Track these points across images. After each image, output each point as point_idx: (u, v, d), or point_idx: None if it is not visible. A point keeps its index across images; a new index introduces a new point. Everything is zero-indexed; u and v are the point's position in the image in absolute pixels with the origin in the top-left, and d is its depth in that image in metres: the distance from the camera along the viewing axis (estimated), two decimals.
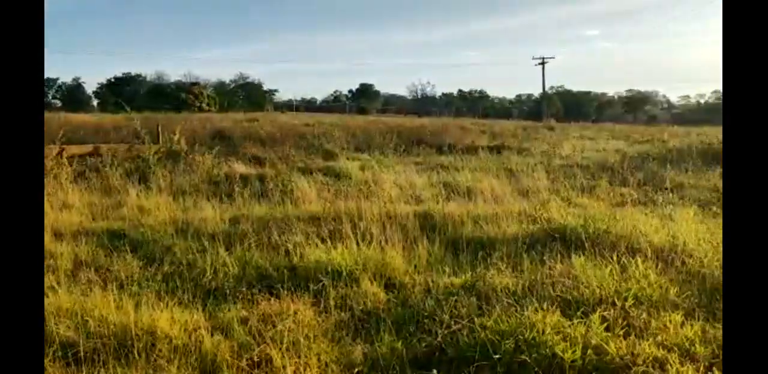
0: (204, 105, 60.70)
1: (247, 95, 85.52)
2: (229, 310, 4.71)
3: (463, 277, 5.37)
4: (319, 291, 5.14)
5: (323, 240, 6.45)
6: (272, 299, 4.94)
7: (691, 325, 4.09)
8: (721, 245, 5.99)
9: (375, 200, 8.95)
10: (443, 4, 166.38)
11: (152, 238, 6.99)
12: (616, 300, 4.50)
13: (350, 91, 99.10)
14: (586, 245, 6.11)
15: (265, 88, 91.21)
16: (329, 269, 5.56)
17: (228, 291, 5.17)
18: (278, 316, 4.52)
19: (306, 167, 13.93)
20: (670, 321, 4.15)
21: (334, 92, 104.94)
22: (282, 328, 4.25)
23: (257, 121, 31.40)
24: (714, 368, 3.51)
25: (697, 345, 3.80)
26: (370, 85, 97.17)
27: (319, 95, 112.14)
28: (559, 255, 5.79)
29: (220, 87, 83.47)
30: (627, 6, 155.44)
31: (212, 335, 4.17)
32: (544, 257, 5.77)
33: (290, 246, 6.33)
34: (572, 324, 4.02)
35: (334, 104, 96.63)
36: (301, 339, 4.06)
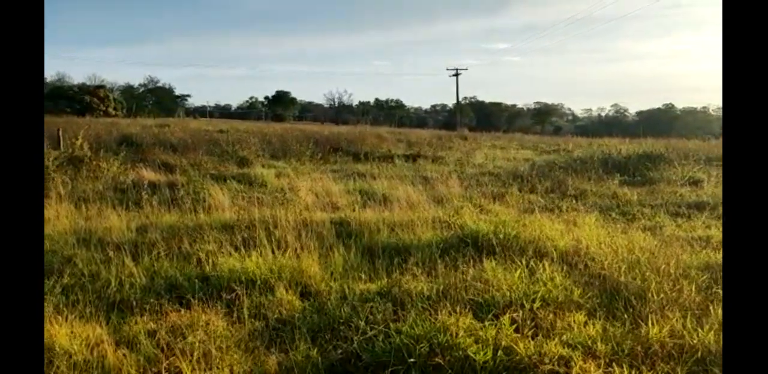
0: (110, 109, 57.63)
1: (158, 100, 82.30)
2: (135, 323, 4.49)
3: (379, 283, 5.41)
4: (232, 301, 5.01)
5: (237, 249, 6.30)
6: (183, 310, 4.76)
7: (593, 324, 4.32)
8: (620, 249, 6.39)
9: (291, 207, 8.85)
10: (358, 14, 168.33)
11: (50, 248, 6.55)
12: (525, 302, 4.69)
13: (266, 98, 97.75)
14: (497, 250, 6.33)
15: (176, 93, 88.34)
16: (243, 278, 5.43)
17: (135, 303, 4.93)
18: (189, 327, 4.36)
19: (219, 174, 13.57)
20: (574, 321, 4.37)
21: (250, 99, 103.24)
22: (193, 340, 4.10)
23: (168, 126, 30.33)
24: (614, 363, 3.72)
25: (598, 343, 4.01)
26: (287, 93, 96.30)
27: (234, 101, 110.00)
28: (471, 260, 5.96)
29: (128, 91, 79.84)
30: (533, 23, 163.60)
31: (117, 349, 3.96)
32: (458, 262, 5.93)
33: (202, 255, 6.14)
34: (484, 326, 4.14)
35: (249, 111, 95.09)
36: (213, 350, 3.93)
